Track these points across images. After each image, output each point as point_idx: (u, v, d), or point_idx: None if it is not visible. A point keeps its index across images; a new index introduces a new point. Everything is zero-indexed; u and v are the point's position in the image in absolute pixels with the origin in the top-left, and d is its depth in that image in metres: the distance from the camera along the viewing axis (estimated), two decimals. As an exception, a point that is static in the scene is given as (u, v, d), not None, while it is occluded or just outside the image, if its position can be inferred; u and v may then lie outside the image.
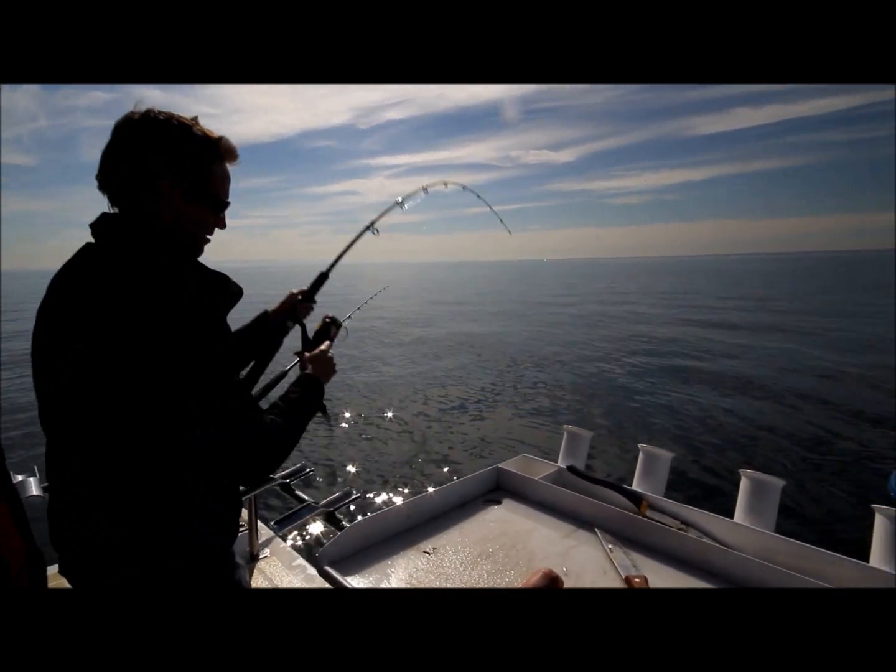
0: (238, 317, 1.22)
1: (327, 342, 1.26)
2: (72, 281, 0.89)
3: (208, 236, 1.06)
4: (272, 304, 1.41)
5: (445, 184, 1.77)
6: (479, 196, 1.95)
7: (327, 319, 1.34)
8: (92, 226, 0.94)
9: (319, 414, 1.11)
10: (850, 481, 4.79)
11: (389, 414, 7.39)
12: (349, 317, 3.08)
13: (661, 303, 24.57)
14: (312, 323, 1.39)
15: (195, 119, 0.98)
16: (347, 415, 7.32)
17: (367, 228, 1.59)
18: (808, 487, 4.70)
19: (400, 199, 1.64)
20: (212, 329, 0.88)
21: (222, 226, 1.07)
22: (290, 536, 3.67)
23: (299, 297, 1.41)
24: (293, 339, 1.38)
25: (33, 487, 1.72)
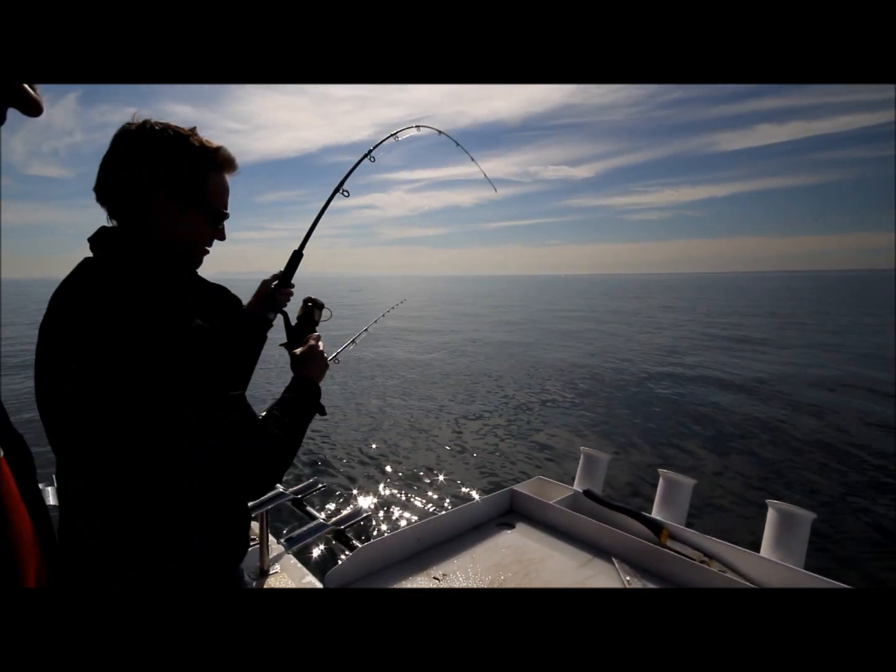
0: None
1: (315, 334, 1.19)
2: (70, 296, 0.88)
3: (207, 248, 1.04)
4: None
5: (418, 127, 1.68)
6: (457, 143, 1.86)
7: (309, 303, 1.27)
8: (90, 240, 0.94)
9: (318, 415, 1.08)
10: (888, 516, 4.56)
11: (404, 430, 7.37)
12: (366, 330, 3.06)
13: (682, 320, 24.18)
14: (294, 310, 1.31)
15: (193, 129, 0.98)
16: (361, 431, 7.31)
17: (337, 190, 1.47)
18: (841, 521, 4.48)
19: (370, 150, 1.53)
20: (210, 341, 0.87)
21: (221, 237, 1.05)
22: (300, 552, 3.65)
23: (273, 284, 1.31)
24: (276, 331, 1.31)
25: (50, 497, 1.74)
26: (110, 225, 0.95)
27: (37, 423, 0.90)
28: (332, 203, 1.47)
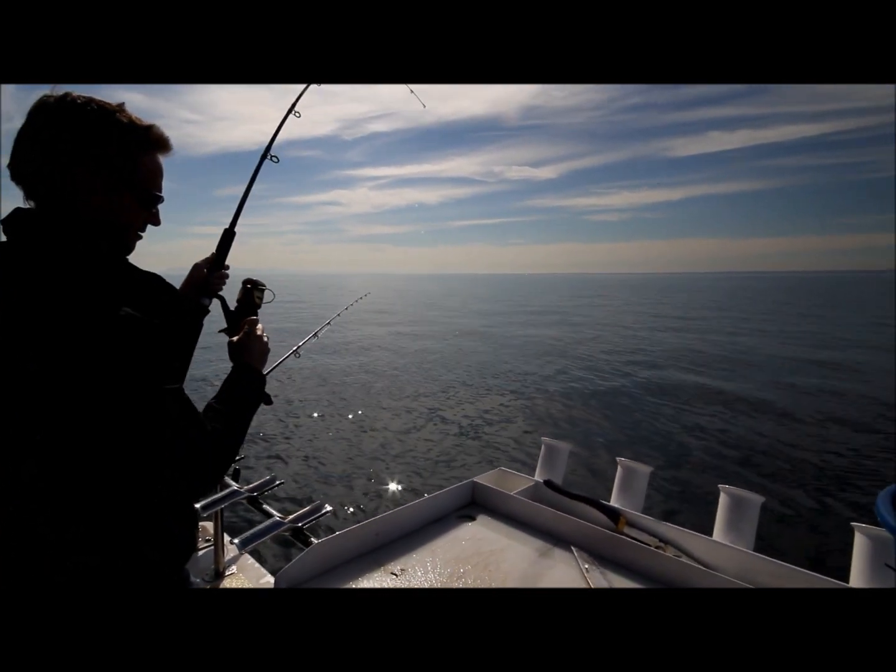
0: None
1: (252, 318, 1.12)
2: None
3: (140, 232, 0.98)
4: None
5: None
6: None
7: (248, 285, 1.19)
8: (3, 222, 0.85)
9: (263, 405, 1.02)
10: (832, 499, 4.84)
11: (364, 423, 7.28)
12: (328, 323, 2.98)
13: (642, 317, 24.96)
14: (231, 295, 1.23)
15: (121, 105, 0.91)
16: (319, 424, 7.18)
17: (265, 157, 1.39)
18: (789, 505, 4.73)
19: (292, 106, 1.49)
20: (140, 331, 0.80)
21: (156, 222, 1.00)
22: (257, 552, 3.55)
23: (205, 268, 1.22)
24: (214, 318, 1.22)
25: None
26: (26, 206, 0.88)
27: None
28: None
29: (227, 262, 1.26)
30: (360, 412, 7.82)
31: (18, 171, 0.87)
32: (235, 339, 1.08)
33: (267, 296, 1.21)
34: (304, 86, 1.46)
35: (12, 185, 0.91)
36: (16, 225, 0.85)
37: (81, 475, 0.80)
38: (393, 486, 5.11)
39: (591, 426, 7.17)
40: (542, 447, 1.71)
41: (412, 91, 1.94)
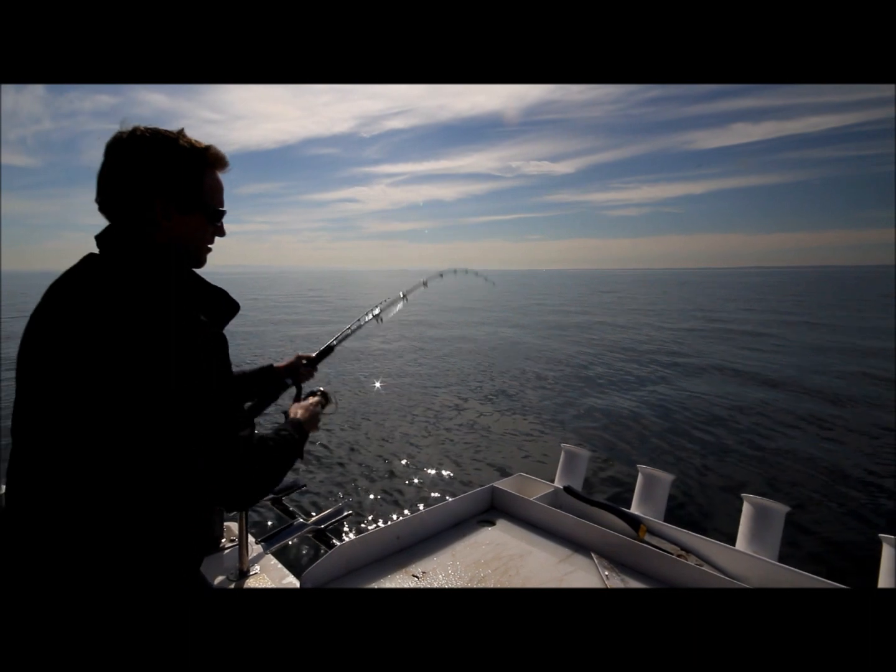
0: (239, 324, 1.19)
1: (316, 398, 1.32)
2: (76, 293, 0.89)
3: (209, 246, 1.07)
4: (277, 357, 1.47)
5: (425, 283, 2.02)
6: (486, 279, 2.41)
7: (320, 391, 1.39)
8: (98, 237, 0.96)
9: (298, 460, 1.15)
10: (859, 509, 4.68)
11: (385, 429, 7.33)
12: (336, 343, 3.04)
13: (665, 316, 24.54)
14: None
15: (181, 131, 1.00)
16: (342, 430, 7.26)
17: (375, 317, 1.77)
18: (814, 514, 4.60)
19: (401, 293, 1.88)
20: (213, 347, 0.89)
21: (221, 233, 1.09)
22: (280, 553, 3.62)
23: (304, 361, 1.51)
24: (286, 398, 1.44)
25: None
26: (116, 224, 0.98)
27: None
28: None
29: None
30: (381, 416, 7.88)
31: (106, 205, 0.96)
32: (300, 404, 1.25)
33: (329, 409, 1.41)
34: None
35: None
36: (109, 242, 0.95)
37: (126, 473, 0.84)
38: (412, 491, 5.14)
39: (610, 433, 7.09)
40: (562, 453, 1.72)
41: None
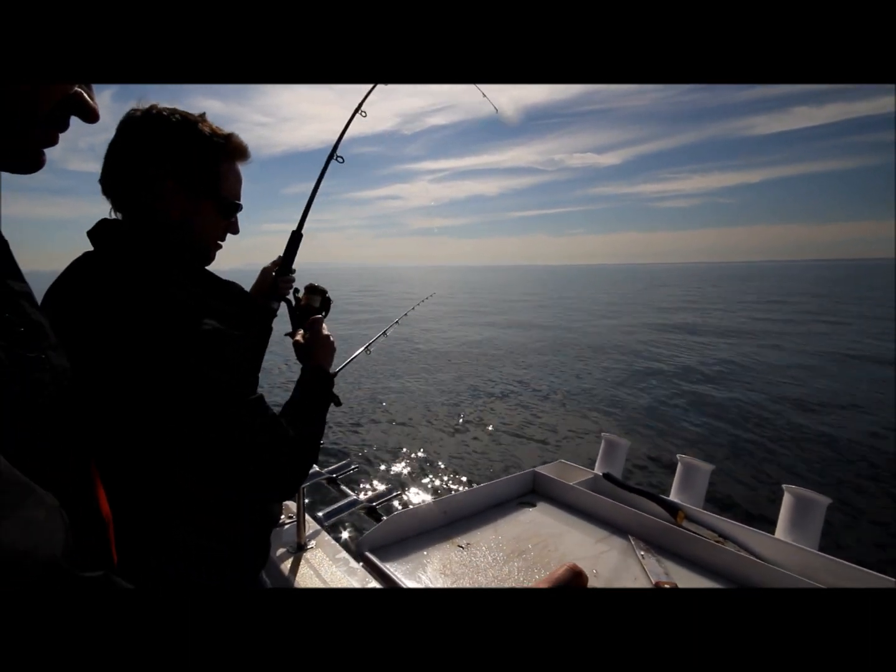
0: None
1: (316, 317, 1.11)
2: (72, 293, 0.81)
3: (220, 241, 0.97)
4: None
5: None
6: None
7: (309, 290, 1.18)
8: (90, 233, 0.85)
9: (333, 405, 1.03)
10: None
11: (434, 414, 7.50)
12: (397, 322, 3.16)
13: (709, 309, 23.44)
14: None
15: (203, 115, 0.91)
16: (391, 415, 7.47)
17: (331, 157, 1.40)
18: (856, 506, 4.38)
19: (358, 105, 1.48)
20: (223, 345, 0.80)
21: (235, 231, 0.99)
22: (334, 530, 3.83)
23: (274, 271, 1.22)
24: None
25: None
26: (112, 217, 0.89)
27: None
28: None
29: (294, 262, 1.23)
30: (429, 405, 8.05)
31: (109, 185, 0.88)
32: (301, 339, 1.07)
33: (315, 300, 1.20)
34: (368, 85, 1.46)
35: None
36: (102, 236, 0.85)
37: (156, 480, 0.79)
38: (456, 475, 5.28)
39: (651, 423, 6.94)
40: (602, 442, 1.77)
41: (483, 94, 1.86)
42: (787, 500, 1.36)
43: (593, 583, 1.12)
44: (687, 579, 1.15)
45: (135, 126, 0.86)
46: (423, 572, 1.12)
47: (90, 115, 0.71)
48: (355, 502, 2.09)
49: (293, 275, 1.24)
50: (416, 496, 4.81)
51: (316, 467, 2.19)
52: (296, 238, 1.23)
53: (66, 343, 0.65)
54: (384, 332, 2.97)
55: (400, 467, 5.54)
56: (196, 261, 0.94)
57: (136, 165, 0.85)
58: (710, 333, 16.23)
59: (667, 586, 1.08)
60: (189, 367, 0.74)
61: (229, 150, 0.92)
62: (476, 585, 1.05)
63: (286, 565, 2.13)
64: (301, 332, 1.09)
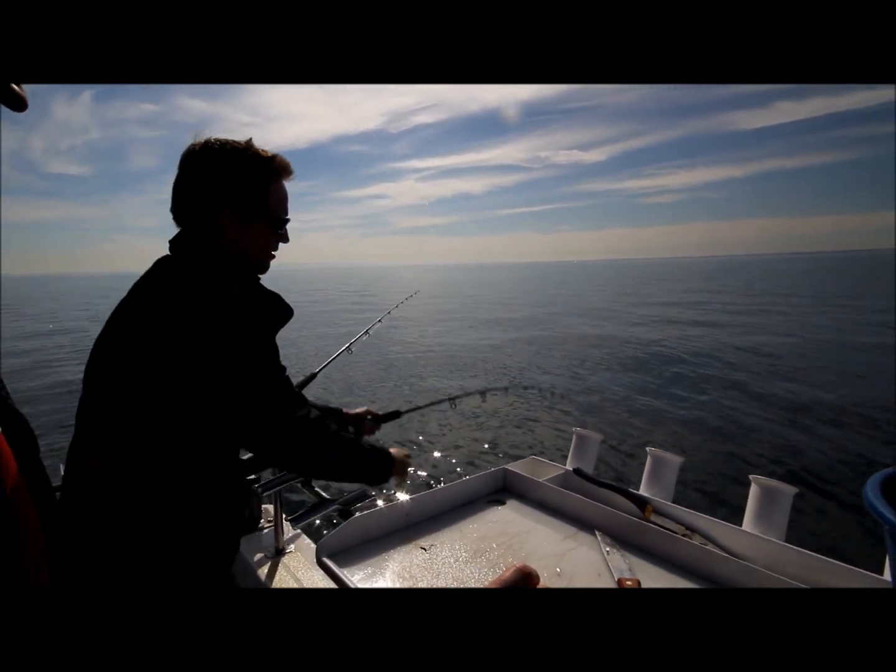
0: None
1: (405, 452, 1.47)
2: (151, 295, 0.96)
3: (273, 252, 1.11)
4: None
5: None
6: None
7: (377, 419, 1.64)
8: (172, 241, 1.02)
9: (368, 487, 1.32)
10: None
11: (413, 413, 7.47)
12: (379, 321, 3.12)
13: (682, 304, 23.70)
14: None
15: (249, 141, 1.04)
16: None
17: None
18: (822, 496, 4.46)
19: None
20: (270, 346, 1.00)
21: (285, 240, 1.13)
22: (316, 533, 3.80)
23: (369, 416, 1.67)
24: None
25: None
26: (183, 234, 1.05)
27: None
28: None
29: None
30: (410, 402, 8.02)
31: (178, 216, 1.03)
32: (402, 455, 1.41)
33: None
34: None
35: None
36: (181, 246, 1.02)
37: (171, 487, 0.91)
38: (428, 473, 5.27)
39: (622, 417, 6.99)
40: (574, 437, 1.75)
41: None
42: (753, 490, 1.35)
43: (557, 581, 1.10)
44: (651, 574, 1.14)
45: (195, 162, 1.00)
46: (381, 576, 1.09)
47: (18, 104, 0.69)
48: (329, 503, 2.06)
49: (378, 430, 1.79)
50: (392, 497, 4.81)
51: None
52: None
53: (136, 337, 0.91)
54: (367, 332, 2.93)
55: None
56: (254, 273, 1.11)
57: (201, 199, 1.00)
58: (688, 325, 16.40)
59: (628, 582, 1.06)
60: (233, 363, 0.90)
61: (276, 170, 1.05)
62: (433, 587, 1.03)
63: (263, 570, 2.09)
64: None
